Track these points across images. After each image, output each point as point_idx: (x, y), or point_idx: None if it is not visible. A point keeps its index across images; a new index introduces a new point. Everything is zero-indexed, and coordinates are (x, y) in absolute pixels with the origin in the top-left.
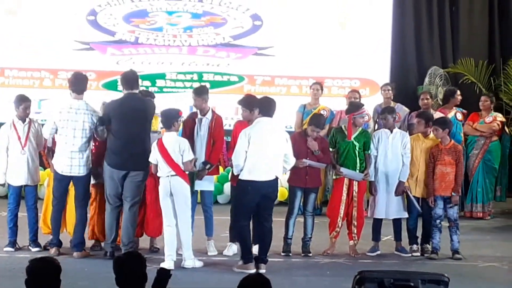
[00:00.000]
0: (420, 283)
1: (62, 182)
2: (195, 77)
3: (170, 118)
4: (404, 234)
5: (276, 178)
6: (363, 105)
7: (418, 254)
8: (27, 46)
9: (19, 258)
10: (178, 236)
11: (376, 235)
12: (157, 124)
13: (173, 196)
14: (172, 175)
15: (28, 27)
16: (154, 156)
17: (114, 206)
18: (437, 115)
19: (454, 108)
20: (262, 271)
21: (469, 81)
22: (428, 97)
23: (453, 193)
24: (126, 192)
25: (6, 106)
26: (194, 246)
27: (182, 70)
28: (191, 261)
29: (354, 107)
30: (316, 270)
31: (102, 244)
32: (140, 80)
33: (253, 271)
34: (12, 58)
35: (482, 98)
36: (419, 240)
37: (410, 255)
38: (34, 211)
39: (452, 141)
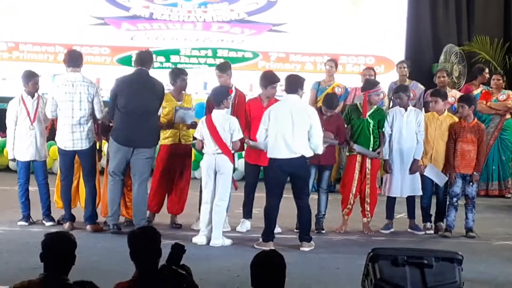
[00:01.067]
0: (434, 260)
1: (66, 157)
2: (210, 53)
3: (220, 95)
4: (418, 212)
5: (302, 156)
6: (378, 82)
7: (432, 232)
8: (41, 21)
9: (33, 232)
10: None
11: (390, 212)
12: (190, 102)
13: (217, 174)
14: (218, 153)
15: (43, 2)
16: (201, 132)
17: (116, 180)
18: (453, 93)
19: (481, 85)
20: (305, 249)
21: (484, 60)
22: (445, 74)
23: (475, 172)
24: (133, 169)
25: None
26: None
27: (196, 46)
28: (220, 240)
29: (370, 84)
30: (329, 247)
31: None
32: (154, 56)
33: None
34: (26, 33)
35: (494, 76)
36: (432, 218)
37: (423, 233)
38: (45, 186)
39: (476, 119)
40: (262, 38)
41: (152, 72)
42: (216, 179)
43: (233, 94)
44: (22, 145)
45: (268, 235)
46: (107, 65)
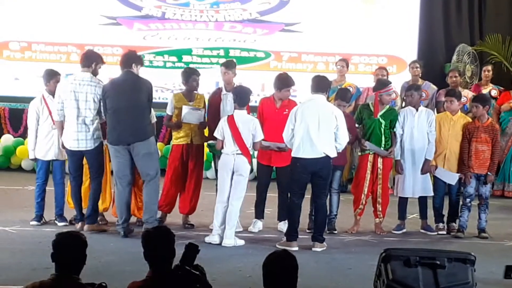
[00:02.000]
0: (446, 261)
1: (73, 157)
2: (222, 53)
3: (245, 96)
4: (430, 212)
5: (326, 156)
6: (390, 82)
7: (444, 232)
8: (54, 20)
9: (45, 232)
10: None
11: (402, 213)
12: (202, 102)
13: (234, 174)
14: (237, 154)
15: (55, 1)
16: (222, 132)
17: (123, 186)
18: (465, 93)
19: (490, 84)
20: (317, 249)
21: (494, 61)
22: (457, 74)
23: (489, 173)
24: (138, 169)
25: (34, 80)
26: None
27: (208, 45)
28: (232, 240)
29: (381, 84)
30: (341, 247)
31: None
32: (139, 56)
33: (295, 249)
34: (39, 33)
35: (484, 68)
36: (445, 219)
37: (436, 233)
38: (62, 186)
39: (490, 119)
40: (274, 38)
41: (165, 72)
42: (232, 179)
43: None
44: (44, 145)
45: (291, 234)
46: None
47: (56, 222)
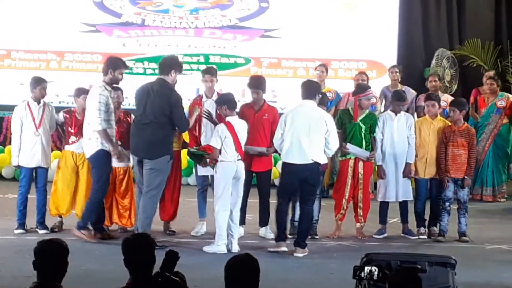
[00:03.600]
0: (427, 265)
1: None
2: (202, 59)
3: (233, 101)
4: (411, 216)
5: (315, 163)
6: (369, 87)
7: (425, 236)
8: (33, 28)
9: (26, 240)
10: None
11: (383, 217)
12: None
13: (237, 180)
14: (238, 159)
15: (34, 9)
16: (221, 140)
17: (140, 193)
18: (445, 97)
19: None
20: (298, 255)
21: (475, 64)
22: (436, 79)
23: (466, 176)
24: (143, 179)
25: (13, 88)
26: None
27: (188, 52)
28: (237, 247)
29: (360, 88)
30: (323, 252)
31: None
32: (179, 60)
33: (285, 249)
34: (18, 40)
35: (488, 81)
36: (426, 223)
37: (417, 237)
38: (44, 193)
39: (466, 123)
40: (254, 44)
41: (145, 79)
42: (233, 185)
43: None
44: (28, 152)
45: (279, 236)
46: (99, 72)
47: (37, 230)
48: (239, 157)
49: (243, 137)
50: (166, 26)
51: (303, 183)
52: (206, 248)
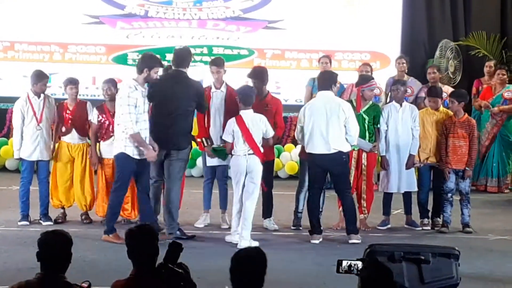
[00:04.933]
0: (431, 256)
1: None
2: (205, 50)
3: (250, 95)
4: (415, 208)
5: (338, 152)
6: (372, 78)
7: (429, 227)
8: (37, 20)
9: (30, 232)
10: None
11: (387, 209)
12: None
13: (247, 174)
14: (249, 154)
15: (38, 1)
16: (231, 134)
17: (153, 184)
18: (446, 88)
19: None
20: (354, 241)
21: (481, 54)
22: (435, 70)
23: (466, 168)
24: (165, 169)
25: (17, 80)
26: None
27: (192, 43)
28: (247, 242)
29: (363, 79)
30: (326, 243)
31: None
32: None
33: (317, 242)
34: (22, 32)
35: (499, 71)
36: (429, 214)
37: (420, 228)
38: (46, 184)
39: (466, 114)
40: (257, 35)
41: None
42: (245, 180)
43: (224, 91)
44: (30, 145)
45: (313, 229)
46: (103, 64)
47: (41, 221)
48: (251, 152)
49: (256, 131)
50: (169, 18)
51: (333, 175)
52: (227, 238)
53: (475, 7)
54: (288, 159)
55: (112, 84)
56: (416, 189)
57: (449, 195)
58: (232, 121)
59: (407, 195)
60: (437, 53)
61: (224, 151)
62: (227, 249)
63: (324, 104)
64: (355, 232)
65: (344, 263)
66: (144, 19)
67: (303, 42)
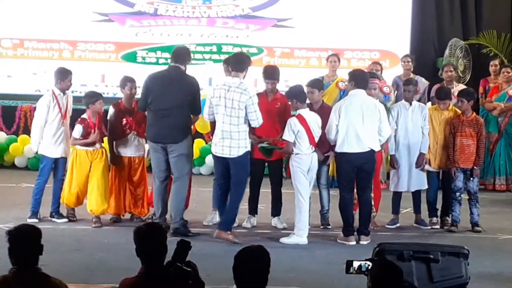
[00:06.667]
0: (440, 255)
1: (216, 163)
2: (214, 49)
3: (302, 90)
4: (424, 206)
5: (371, 150)
6: (375, 76)
7: (438, 226)
8: (46, 17)
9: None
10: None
11: (396, 207)
12: None
13: (310, 172)
14: (313, 151)
15: None
16: (294, 133)
17: (159, 181)
18: (459, 87)
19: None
20: (363, 242)
21: (491, 53)
22: (452, 69)
23: (475, 167)
24: (171, 167)
25: (26, 77)
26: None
27: (201, 42)
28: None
29: None
30: (335, 242)
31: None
32: (189, 51)
33: (353, 243)
34: (31, 30)
35: (504, 69)
36: (438, 213)
37: (429, 227)
38: (61, 183)
39: (474, 113)
40: (266, 34)
41: (158, 69)
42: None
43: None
44: (53, 143)
45: (347, 228)
46: (112, 61)
47: (55, 219)
48: (313, 149)
49: (315, 129)
50: (178, 16)
51: (360, 171)
52: (285, 240)
53: (486, 6)
54: None
55: (135, 83)
56: (426, 186)
57: (458, 194)
58: (295, 121)
59: (416, 194)
60: (447, 52)
61: (273, 149)
62: (235, 248)
63: (360, 103)
64: (366, 234)
65: (354, 264)
66: (154, 17)
67: (312, 40)
